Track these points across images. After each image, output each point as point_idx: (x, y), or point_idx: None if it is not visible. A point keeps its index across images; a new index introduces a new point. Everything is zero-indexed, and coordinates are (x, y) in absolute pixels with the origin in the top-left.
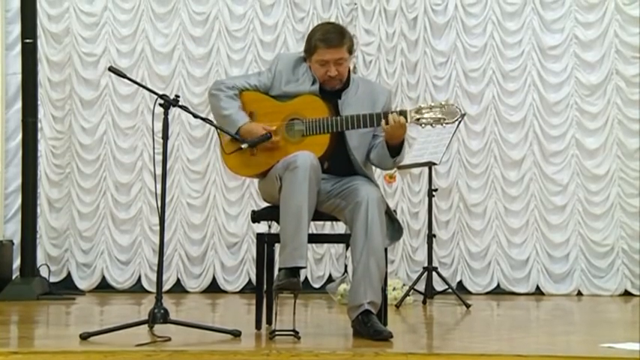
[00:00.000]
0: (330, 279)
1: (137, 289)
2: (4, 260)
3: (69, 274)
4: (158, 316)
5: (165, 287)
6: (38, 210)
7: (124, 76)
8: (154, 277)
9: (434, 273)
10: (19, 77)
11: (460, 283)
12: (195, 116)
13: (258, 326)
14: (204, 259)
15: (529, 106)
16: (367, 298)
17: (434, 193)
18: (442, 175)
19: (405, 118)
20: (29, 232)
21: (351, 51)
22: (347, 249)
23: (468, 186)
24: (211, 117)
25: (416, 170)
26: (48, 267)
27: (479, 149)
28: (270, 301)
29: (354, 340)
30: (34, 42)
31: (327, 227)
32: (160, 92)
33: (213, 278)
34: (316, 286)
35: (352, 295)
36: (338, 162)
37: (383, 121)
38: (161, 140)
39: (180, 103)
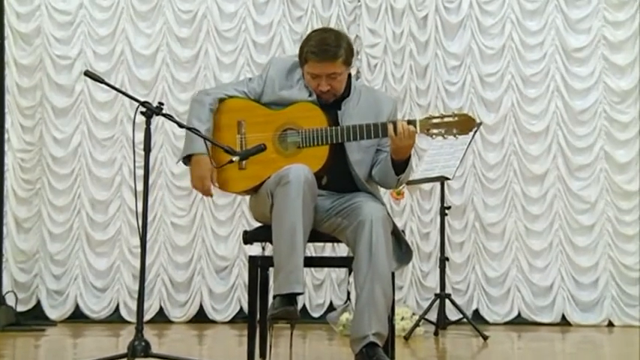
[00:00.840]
0: (331, 307)
1: (115, 318)
2: None
3: (38, 303)
4: (139, 349)
5: (147, 317)
6: (4, 230)
7: (102, 82)
8: (133, 305)
9: (447, 300)
10: None
11: (476, 311)
12: (181, 126)
13: None
14: (190, 285)
15: (552, 115)
16: (372, 328)
17: (446, 211)
18: (456, 191)
19: (414, 128)
20: None
21: (348, 62)
22: (349, 274)
23: (484, 203)
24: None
25: (426, 186)
26: (15, 294)
27: (496, 162)
28: (263, 332)
29: None
30: (1, 43)
31: (328, 249)
32: (142, 99)
33: (201, 306)
34: (315, 315)
35: (355, 325)
36: (338, 177)
37: (390, 128)
38: (142, 152)
39: (163, 112)
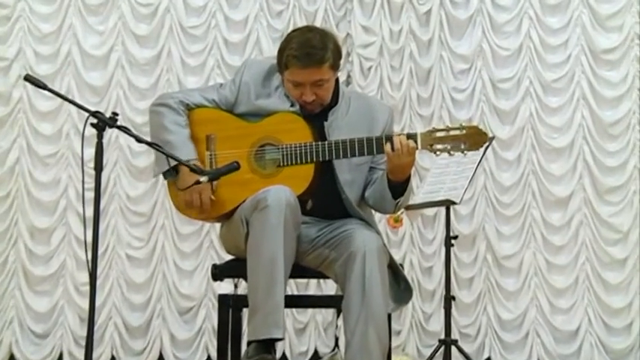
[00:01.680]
0: (316, 356)
1: None
2: None
3: None
4: None
5: None
6: None
7: (44, 87)
8: (80, 354)
9: (453, 347)
10: None
11: None
12: (139, 140)
13: None
14: (148, 329)
15: (578, 127)
16: None
17: (453, 241)
18: (464, 217)
19: (415, 142)
20: None
21: (336, 66)
22: (338, 316)
23: (497, 232)
24: None
25: (429, 211)
26: None
27: (512, 184)
28: None
29: None
30: None
31: (312, 287)
32: (92, 108)
33: (160, 355)
34: None
35: None
36: (325, 201)
37: (387, 145)
38: (93, 172)
39: (118, 123)
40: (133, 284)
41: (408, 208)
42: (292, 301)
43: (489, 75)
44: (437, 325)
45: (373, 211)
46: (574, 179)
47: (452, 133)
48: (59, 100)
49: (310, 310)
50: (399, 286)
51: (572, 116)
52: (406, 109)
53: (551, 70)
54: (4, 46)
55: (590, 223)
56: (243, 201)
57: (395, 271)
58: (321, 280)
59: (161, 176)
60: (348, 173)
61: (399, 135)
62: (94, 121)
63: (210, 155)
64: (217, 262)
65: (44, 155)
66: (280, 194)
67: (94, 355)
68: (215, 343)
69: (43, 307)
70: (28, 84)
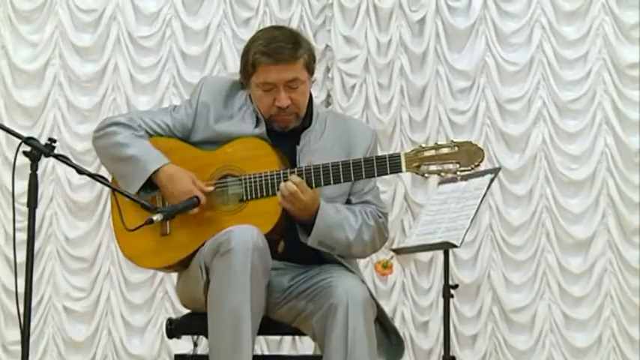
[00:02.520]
0: None
1: None
2: None
3: None
4: None
5: None
6: None
7: None
8: None
9: None
10: None
11: None
12: (81, 171)
13: None
14: None
15: (600, 156)
16: None
17: (452, 291)
18: (465, 263)
19: (398, 164)
20: None
21: (310, 69)
22: None
23: (505, 280)
24: (104, 171)
25: (424, 256)
26: None
27: (522, 223)
28: None
29: None
30: None
31: (286, 345)
32: (25, 134)
33: None
34: None
35: None
36: (299, 241)
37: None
38: (25, 209)
39: (56, 151)
40: (72, 343)
41: (399, 252)
42: None
43: (494, 94)
44: None
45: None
46: (596, 218)
47: (442, 151)
48: None
49: None
50: (390, 342)
51: (594, 143)
52: (396, 135)
53: (567, 89)
54: None
55: (616, 270)
56: (202, 244)
57: (384, 324)
58: (297, 338)
59: (105, 213)
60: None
61: (291, 173)
62: (27, 148)
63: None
64: (173, 316)
65: None
66: (245, 235)
67: None
68: None
69: None
70: None
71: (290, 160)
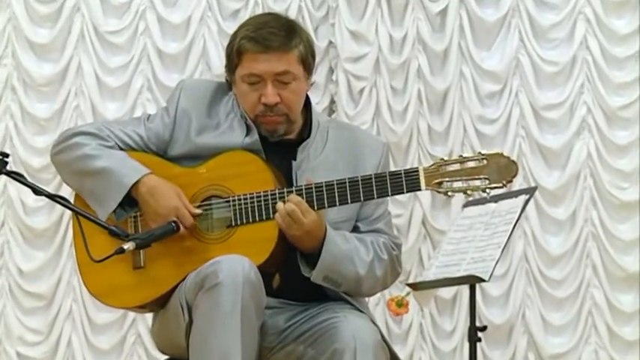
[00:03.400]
0: None
1: None
2: None
3: None
4: None
5: None
6: None
7: None
8: None
9: None
10: None
11: None
12: (37, 192)
13: None
14: None
15: None
16: None
17: (480, 334)
18: (495, 300)
19: (416, 181)
20: None
21: (307, 66)
22: None
23: (543, 321)
24: (65, 191)
25: (446, 292)
26: None
27: (564, 252)
28: None
29: None
30: None
31: None
32: None
33: None
34: None
35: None
36: (298, 275)
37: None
38: None
39: (8, 168)
40: None
41: (416, 287)
42: None
43: (530, 99)
44: None
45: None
46: None
47: (468, 165)
48: None
49: None
50: None
51: None
52: (412, 148)
53: (617, 93)
54: None
55: None
56: (184, 278)
57: None
58: None
59: (66, 241)
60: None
61: (289, 193)
62: None
63: (135, 217)
64: None
65: None
66: (235, 267)
67: None
68: None
69: None
70: None
71: (285, 178)
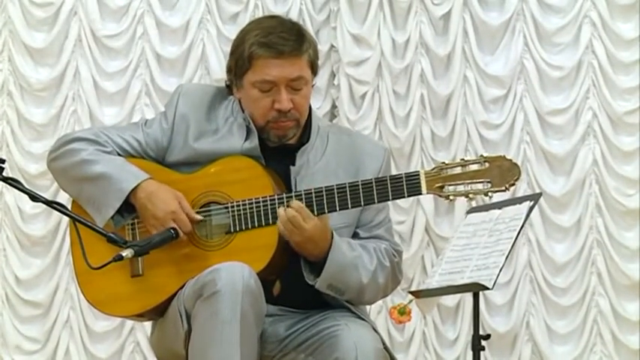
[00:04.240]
0: None
1: None
2: None
3: None
4: None
5: None
6: None
7: None
8: None
9: None
10: None
11: None
12: (35, 198)
13: None
14: None
15: None
16: None
17: (484, 342)
18: (499, 308)
19: (417, 185)
20: None
21: (315, 67)
22: None
23: (548, 329)
24: (62, 198)
25: (449, 300)
26: None
27: (568, 260)
28: None
29: None
30: None
31: None
32: None
33: None
34: None
35: None
36: (299, 282)
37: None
38: None
39: (4, 174)
40: None
41: (419, 294)
42: None
43: (535, 104)
44: None
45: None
46: None
47: (469, 168)
48: None
49: None
50: None
51: None
52: (415, 154)
53: (623, 98)
54: None
55: None
56: (182, 286)
57: None
58: None
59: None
60: None
61: (290, 198)
62: None
63: (133, 224)
64: None
65: None
66: (234, 274)
67: None
68: None
69: None
70: None
71: (284, 183)
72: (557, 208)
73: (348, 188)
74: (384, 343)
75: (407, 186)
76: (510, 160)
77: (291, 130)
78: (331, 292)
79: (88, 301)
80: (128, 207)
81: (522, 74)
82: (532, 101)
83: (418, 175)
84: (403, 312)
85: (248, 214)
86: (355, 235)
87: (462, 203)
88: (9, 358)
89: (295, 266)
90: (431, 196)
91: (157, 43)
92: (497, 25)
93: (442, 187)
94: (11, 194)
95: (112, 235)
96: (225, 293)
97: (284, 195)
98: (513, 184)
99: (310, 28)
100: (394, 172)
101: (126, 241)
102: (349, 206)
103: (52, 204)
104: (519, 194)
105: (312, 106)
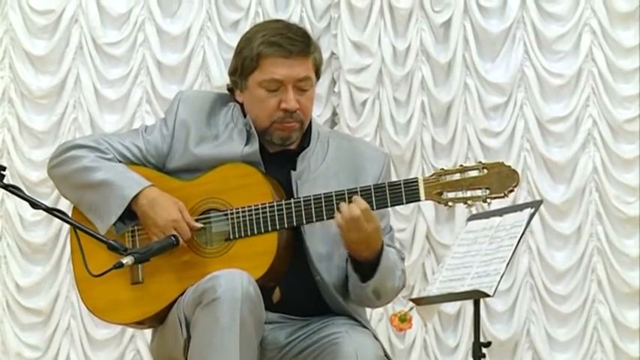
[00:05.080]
0: None
1: None
2: None
3: None
4: None
5: None
6: None
7: None
8: None
9: None
10: None
11: None
12: (35, 205)
13: None
14: None
15: None
16: None
17: (484, 350)
18: (500, 316)
19: (416, 191)
20: None
21: (319, 72)
22: None
23: (548, 337)
24: (63, 205)
25: (450, 307)
26: None
27: (569, 267)
28: None
29: None
30: None
31: None
32: None
33: None
34: None
35: None
36: (299, 289)
37: (337, 214)
38: None
39: (5, 181)
40: None
41: (420, 302)
42: None
43: (535, 112)
44: None
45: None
46: None
47: (468, 174)
48: None
49: None
50: None
51: None
52: (416, 161)
53: (623, 106)
54: None
55: None
56: (182, 294)
57: None
58: None
59: (65, 256)
60: (324, 245)
61: (354, 193)
62: None
63: (133, 231)
64: None
65: None
66: (234, 281)
67: None
68: None
69: None
70: None
71: (285, 189)
72: (558, 216)
73: (346, 195)
74: (384, 351)
75: (405, 192)
76: (509, 166)
77: (295, 132)
78: (373, 296)
79: (87, 308)
80: (130, 214)
81: (523, 82)
82: (532, 109)
83: (417, 181)
84: (404, 319)
85: (247, 221)
86: None
87: (462, 210)
88: None
89: (295, 273)
90: (431, 203)
91: (157, 50)
92: (498, 33)
93: (441, 194)
94: (12, 201)
95: (112, 242)
96: (224, 300)
97: (283, 202)
98: (512, 191)
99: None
100: (394, 178)
101: (126, 249)
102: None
103: (52, 211)
104: (519, 202)
105: (313, 113)
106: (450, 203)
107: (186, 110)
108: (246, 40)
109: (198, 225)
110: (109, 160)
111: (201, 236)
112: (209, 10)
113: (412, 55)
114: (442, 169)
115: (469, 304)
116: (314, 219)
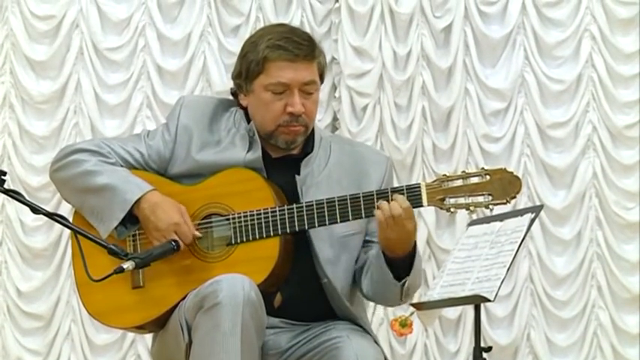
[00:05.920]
0: None
1: None
2: None
3: None
4: None
5: None
6: None
7: None
8: None
9: None
10: None
11: None
12: (36, 210)
13: None
14: None
15: None
16: None
17: (485, 355)
18: (500, 321)
19: (418, 197)
20: None
21: (323, 75)
22: None
23: (548, 342)
24: (63, 210)
25: (451, 312)
26: None
27: (569, 273)
28: None
29: None
30: None
31: None
32: None
33: None
34: None
35: None
36: (301, 293)
37: (377, 211)
38: None
39: (5, 186)
40: None
41: (421, 307)
42: None
43: (535, 117)
44: None
45: (370, 308)
46: None
47: (470, 181)
48: None
49: None
50: None
51: None
52: (417, 166)
53: (623, 112)
54: None
55: None
56: (183, 298)
57: None
58: None
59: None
60: (330, 248)
61: (395, 191)
62: None
63: (134, 235)
64: None
65: None
66: (235, 286)
67: None
68: None
69: None
70: None
71: (290, 194)
72: (558, 221)
73: (349, 201)
74: (385, 356)
75: (408, 198)
76: (511, 172)
77: (299, 135)
78: (402, 294)
79: (88, 312)
80: (131, 218)
81: (523, 87)
82: (532, 114)
83: (419, 187)
84: (405, 324)
85: (249, 226)
86: (368, 243)
87: (463, 215)
88: None
89: (295, 277)
90: (432, 208)
91: (158, 55)
92: (498, 39)
93: (443, 200)
94: (13, 207)
95: (112, 247)
96: (226, 305)
97: (285, 207)
98: (514, 197)
99: None
100: (395, 183)
101: (127, 253)
102: (350, 218)
103: (53, 216)
104: (520, 207)
105: None
106: (452, 209)
107: (189, 116)
108: (251, 44)
109: (198, 234)
110: (112, 164)
111: (203, 241)
112: (210, 15)
113: (413, 61)
114: (445, 175)
115: (470, 309)
116: (316, 224)
